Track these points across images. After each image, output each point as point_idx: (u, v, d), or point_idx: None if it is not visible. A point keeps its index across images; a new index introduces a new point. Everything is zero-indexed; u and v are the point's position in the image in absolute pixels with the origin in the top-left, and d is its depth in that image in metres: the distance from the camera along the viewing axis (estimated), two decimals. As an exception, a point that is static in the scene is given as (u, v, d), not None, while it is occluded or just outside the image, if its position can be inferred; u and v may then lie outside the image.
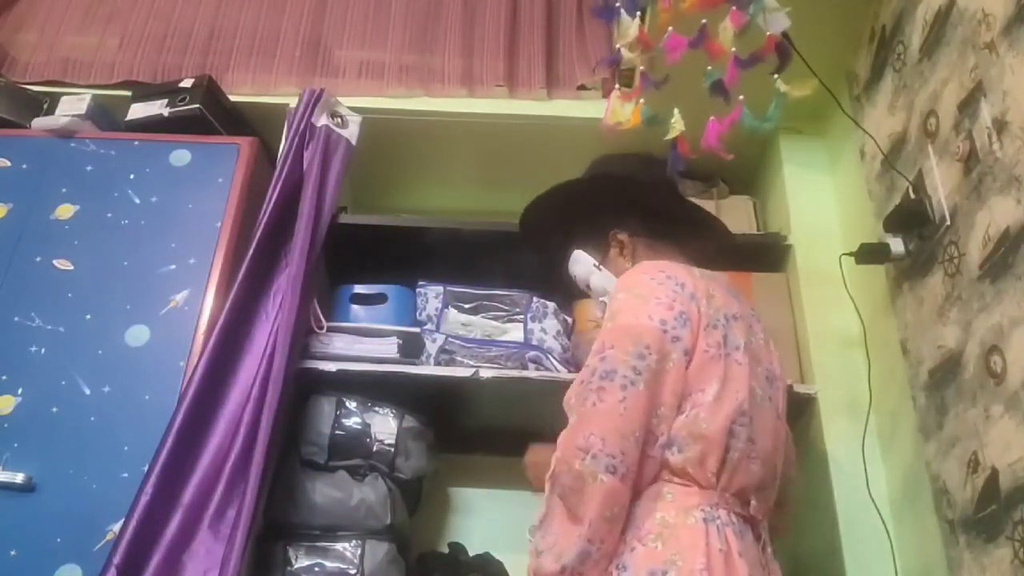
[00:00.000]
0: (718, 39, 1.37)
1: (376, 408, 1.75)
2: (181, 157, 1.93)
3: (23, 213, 1.84)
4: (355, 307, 1.93)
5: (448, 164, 2.32)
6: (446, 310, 1.93)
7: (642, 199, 1.54)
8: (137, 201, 1.87)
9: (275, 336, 1.61)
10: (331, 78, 2.21)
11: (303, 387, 1.74)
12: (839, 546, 1.63)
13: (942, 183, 1.49)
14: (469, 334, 1.88)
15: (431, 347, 1.83)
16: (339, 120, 1.95)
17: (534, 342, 1.84)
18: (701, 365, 1.23)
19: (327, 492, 1.67)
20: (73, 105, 2.00)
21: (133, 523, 1.41)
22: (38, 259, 1.79)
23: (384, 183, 2.39)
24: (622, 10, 1.47)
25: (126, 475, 1.54)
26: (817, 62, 1.54)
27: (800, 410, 1.78)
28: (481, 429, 1.99)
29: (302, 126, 1.87)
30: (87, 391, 1.65)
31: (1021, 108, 1.26)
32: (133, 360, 1.68)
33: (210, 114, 2.00)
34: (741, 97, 1.39)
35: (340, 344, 1.78)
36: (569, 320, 1.95)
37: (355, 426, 1.73)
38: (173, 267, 1.78)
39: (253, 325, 1.66)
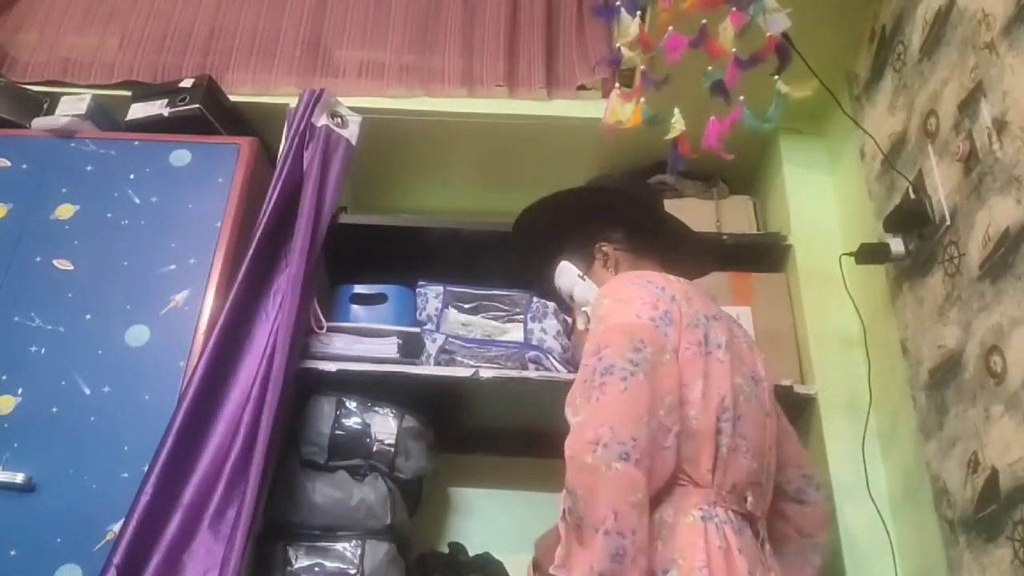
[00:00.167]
0: (718, 39, 1.37)
1: (376, 408, 1.75)
2: (181, 157, 1.93)
3: (23, 213, 1.84)
4: (355, 307, 1.93)
5: (448, 164, 2.32)
6: (446, 310, 1.93)
7: (627, 213, 1.56)
8: (137, 201, 1.87)
9: (275, 336, 1.61)
10: (331, 78, 2.21)
11: (303, 387, 1.74)
12: (839, 546, 1.63)
13: (942, 183, 1.49)
14: (469, 334, 1.88)
15: (431, 347, 1.83)
16: (339, 120, 1.95)
17: (534, 342, 1.84)
18: (685, 363, 1.24)
19: (327, 492, 1.67)
20: (73, 105, 2.00)
21: (133, 523, 1.40)
22: (38, 259, 1.79)
23: (384, 183, 2.39)
24: (622, 9, 1.47)
25: (126, 475, 1.54)
26: (817, 62, 1.54)
27: (800, 410, 1.78)
28: (481, 429, 1.99)
29: (302, 126, 1.87)
30: (87, 391, 1.65)
31: (1021, 108, 1.26)
32: (133, 360, 1.68)
33: (210, 114, 2.00)
34: (741, 97, 1.40)
35: (340, 344, 1.78)
36: (569, 320, 1.94)
37: (355, 426, 1.73)
38: (173, 267, 1.78)
39: (253, 325, 1.66)
